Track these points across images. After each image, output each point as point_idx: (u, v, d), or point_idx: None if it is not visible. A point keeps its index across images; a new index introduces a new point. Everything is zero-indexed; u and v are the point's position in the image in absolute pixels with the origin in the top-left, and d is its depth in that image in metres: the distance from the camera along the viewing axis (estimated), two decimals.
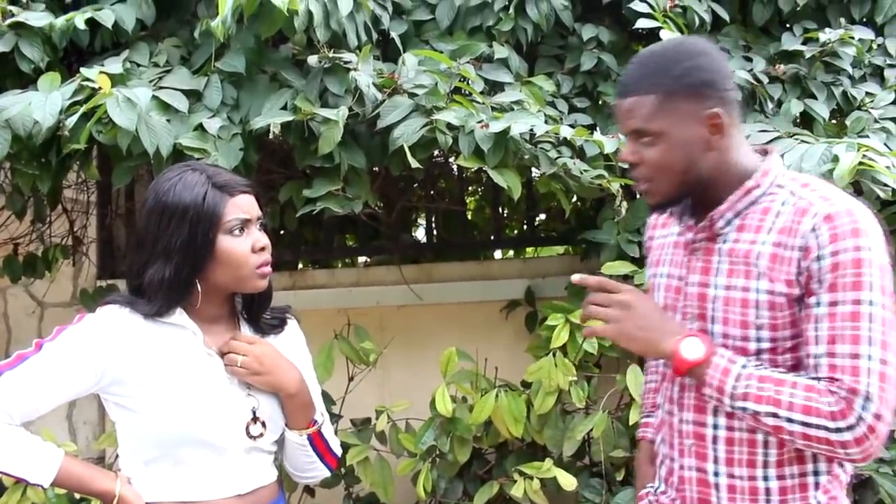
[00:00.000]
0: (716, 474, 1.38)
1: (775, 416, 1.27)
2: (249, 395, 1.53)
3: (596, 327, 1.43)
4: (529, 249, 4.13)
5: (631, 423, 2.62)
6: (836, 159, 2.30)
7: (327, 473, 1.66)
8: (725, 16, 2.83)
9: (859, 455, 1.24)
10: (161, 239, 1.45)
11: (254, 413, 1.52)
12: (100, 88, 2.18)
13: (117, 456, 3.11)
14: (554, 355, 2.62)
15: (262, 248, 1.49)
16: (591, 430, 2.65)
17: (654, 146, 1.35)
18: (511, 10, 2.68)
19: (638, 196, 2.69)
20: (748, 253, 1.34)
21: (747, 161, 1.38)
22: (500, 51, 2.67)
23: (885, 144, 2.50)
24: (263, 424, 1.53)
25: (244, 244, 1.47)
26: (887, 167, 2.28)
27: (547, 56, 2.88)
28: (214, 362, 1.51)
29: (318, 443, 1.60)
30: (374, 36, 2.58)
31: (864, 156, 2.28)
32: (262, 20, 2.29)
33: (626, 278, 2.72)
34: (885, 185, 2.32)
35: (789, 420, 1.26)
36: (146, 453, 1.48)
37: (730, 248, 1.36)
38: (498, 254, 4.24)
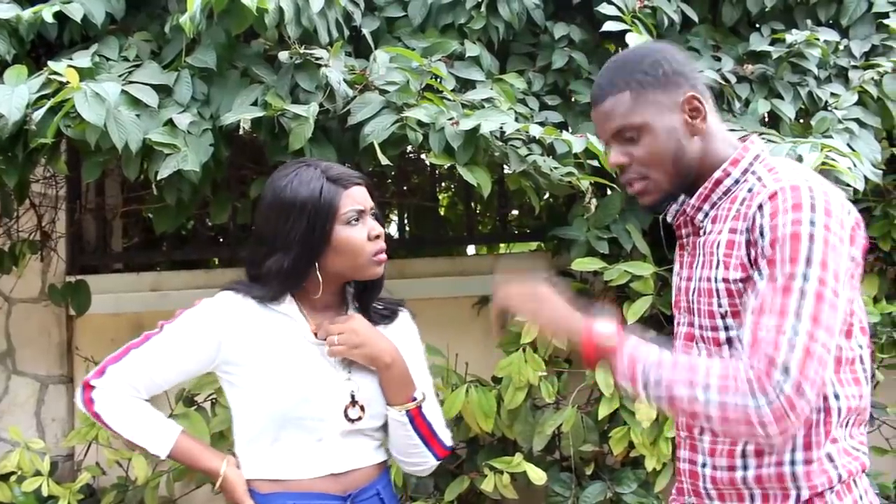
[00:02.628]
0: (703, 465, 1.38)
1: (691, 397, 1.21)
2: (349, 379, 1.59)
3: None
4: (502, 245, 4.15)
5: (600, 417, 2.66)
6: (800, 159, 2.34)
7: (434, 462, 1.68)
8: (694, 16, 2.86)
9: (777, 433, 1.17)
10: (280, 233, 1.54)
11: (352, 397, 1.58)
12: (68, 82, 2.16)
13: (86, 453, 3.09)
14: (524, 351, 2.65)
15: (378, 237, 1.58)
16: (561, 424, 2.68)
17: (639, 141, 1.35)
18: (483, 9, 2.69)
19: (608, 192, 2.72)
20: (713, 243, 1.33)
21: (727, 149, 1.37)
22: (472, 48, 2.68)
23: (848, 145, 2.55)
24: (362, 408, 1.58)
25: (360, 233, 1.56)
26: (848, 168, 2.32)
27: (518, 54, 2.90)
28: (318, 349, 1.58)
29: (420, 424, 1.63)
30: (346, 32, 2.58)
31: (826, 156, 2.33)
32: (232, 17, 2.29)
33: (596, 274, 2.75)
34: (847, 185, 2.36)
35: (706, 401, 1.20)
36: (249, 431, 1.58)
37: (704, 239, 1.37)
38: (471, 250, 4.26)
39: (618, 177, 1.44)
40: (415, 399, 1.61)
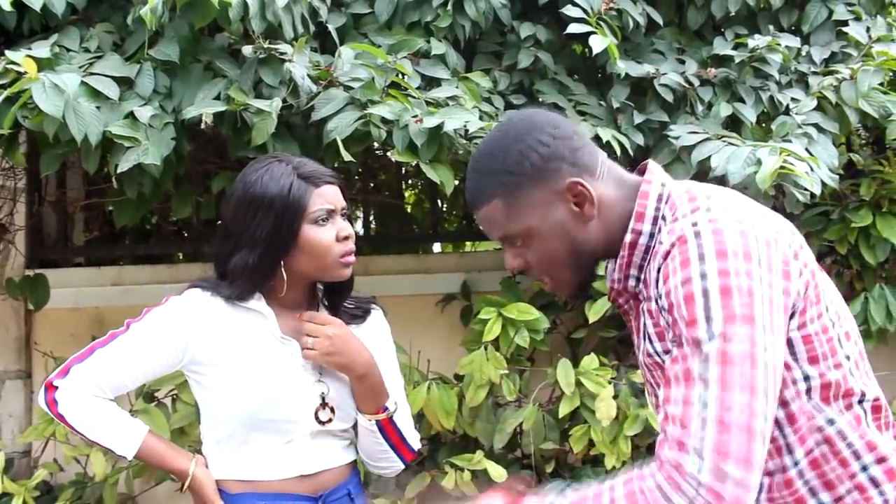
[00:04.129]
0: None
1: None
2: (320, 381, 1.57)
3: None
4: (468, 244, 4.16)
5: (561, 416, 2.68)
6: (759, 163, 2.38)
7: (401, 466, 1.67)
8: (660, 19, 2.89)
9: None
10: (248, 228, 1.51)
11: (322, 399, 1.56)
12: (25, 73, 2.13)
13: (43, 449, 3.05)
14: (486, 349, 2.66)
15: (346, 238, 1.55)
16: (522, 422, 2.70)
17: (529, 247, 1.19)
18: (449, 7, 2.69)
19: None
20: (644, 312, 1.19)
21: (626, 205, 1.19)
22: (438, 46, 2.68)
23: (807, 149, 2.59)
24: (332, 410, 1.57)
25: (328, 233, 1.53)
26: (806, 172, 2.36)
27: (485, 53, 2.91)
28: (288, 348, 1.56)
29: (390, 432, 1.61)
30: (312, 28, 2.57)
31: (785, 160, 2.36)
32: (195, 10, 2.26)
33: None
34: (805, 189, 2.40)
35: None
36: (218, 432, 1.56)
37: (644, 307, 1.20)
38: (437, 247, 4.27)
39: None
40: (386, 409, 1.60)
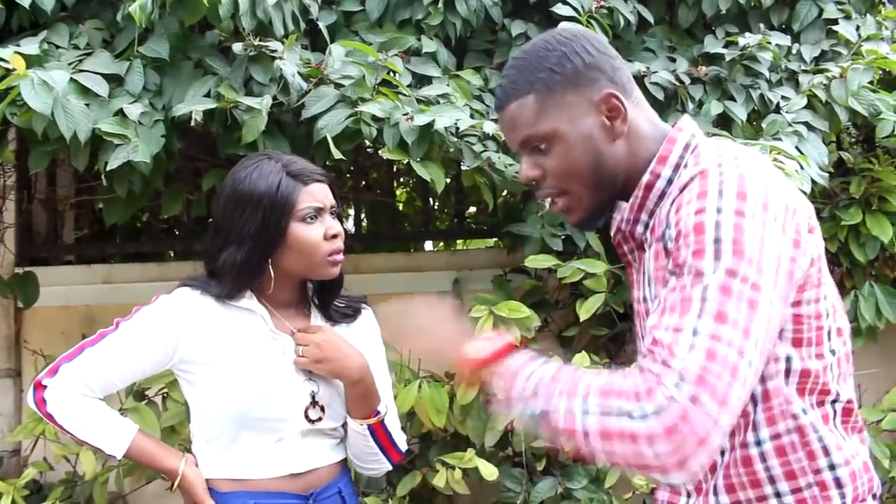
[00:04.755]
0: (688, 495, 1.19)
1: (568, 409, 0.97)
2: (310, 379, 1.57)
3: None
4: (459, 242, 4.16)
5: None
6: None
7: (389, 467, 1.69)
8: (651, 18, 2.90)
9: (671, 456, 0.91)
10: (236, 225, 1.52)
11: (312, 397, 1.57)
12: (14, 70, 2.12)
13: (33, 448, 3.03)
14: None
15: (335, 236, 1.55)
16: (513, 420, 2.69)
17: (551, 152, 1.15)
18: (440, 5, 2.69)
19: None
20: (650, 258, 1.15)
21: (655, 145, 1.17)
22: (429, 44, 2.68)
23: (797, 147, 2.60)
24: (322, 409, 1.58)
25: (316, 231, 1.53)
26: (796, 170, 2.37)
27: (476, 51, 2.90)
28: (279, 346, 1.57)
29: (380, 434, 1.62)
30: (303, 26, 2.56)
31: (775, 158, 2.37)
32: (185, 7, 2.26)
33: (550, 272, 2.77)
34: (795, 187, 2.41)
35: (584, 411, 0.95)
36: (208, 430, 1.57)
37: (646, 255, 1.17)
38: (429, 246, 4.26)
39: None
40: (378, 413, 1.61)
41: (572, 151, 1.15)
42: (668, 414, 0.91)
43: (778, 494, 1.11)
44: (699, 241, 0.99)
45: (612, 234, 1.25)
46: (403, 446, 1.68)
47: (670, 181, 1.14)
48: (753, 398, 1.10)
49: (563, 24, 1.26)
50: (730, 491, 1.13)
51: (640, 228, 1.18)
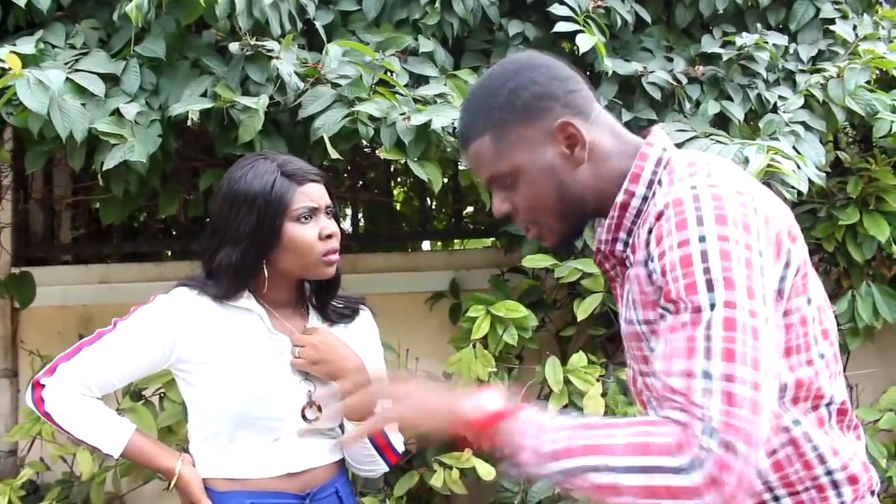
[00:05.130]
0: None
1: (596, 469, 0.94)
2: (307, 379, 1.57)
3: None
4: (456, 242, 4.16)
5: None
6: (747, 161, 2.39)
7: (386, 468, 1.69)
8: (648, 17, 2.89)
9: (720, 500, 0.91)
10: (231, 225, 1.52)
11: (309, 397, 1.57)
12: (10, 69, 2.11)
13: (29, 448, 3.03)
14: (474, 347, 2.65)
15: (330, 236, 1.55)
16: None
17: (516, 187, 1.15)
18: (437, 5, 2.69)
19: None
20: (633, 277, 1.13)
21: (624, 162, 1.15)
22: (426, 44, 2.68)
23: (794, 147, 2.60)
24: (319, 409, 1.57)
25: (311, 231, 1.53)
26: (793, 170, 2.37)
27: (473, 51, 2.90)
28: (276, 346, 1.56)
29: (377, 437, 1.63)
30: (300, 25, 2.56)
31: (772, 158, 2.37)
32: (181, 7, 2.25)
33: (547, 272, 2.77)
34: (792, 187, 2.41)
35: (620, 470, 0.93)
36: (205, 430, 1.56)
37: (629, 272, 1.15)
38: (426, 245, 4.26)
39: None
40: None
41: (535, 185, 1.14)
42: (707, 465, 0.91)
43: (776, 499, 1.12)
44: (688, 273, 0.98)
45: (593, 253, 1.24)
46: (400, 448, 1.68)
47: (645, 198, 1.13)
48: None
49: (523, 55, 1.23)
50: None
51: (619, 247, 1.17)
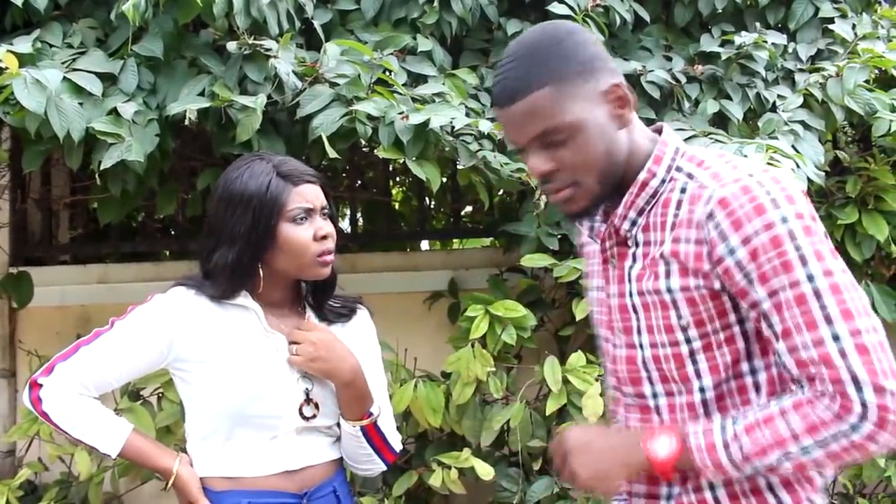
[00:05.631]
0: (668, 497, 1.25)
1: (788, 455, 1.10)
2: (304, 377, 1.57)
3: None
4: (455, 241, 4.15)
5: (548, 413, 2.67)
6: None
7: (384, 467, 1.68)
8: (647, 16, 2.89)
9: (892, 439, 1.07)
10: (227, 225, 1.52)
11: (307, 395, 1.56)
12: (6, 68, 2.11)
13: (27, 448, 3.02)
14: (473, 346, 2.65)
15: (325, 237, 1.54)
16: (509, 420, 2.69)
17: (570, 142, 1.16)
18: (436, 4, 2.69)
19: None
20: (655, 255, 1.19)
21: (646, 143, 1.22)
22: (424, 43, 2.67)
23: (793, 146, 2.59)
24: (317, 406, 1.57)
25: (306, 232, 1.53)
26: (792, 169, 2.37)
27: (471, 50, 2.90)
28: (273, 344, 1.56)
29: (373, 436, 1.62)
30: (298, 24, 2.56)
31: (771, 157, 2.37)
32: (179, 6, 2.25)
33: (546, 271, 2.77)
34: None
35: (804, 450, 1.09)
36: (203, 428, 1.56)
37: (641, 252, 1.21)
38: (425, 245, 4.26)
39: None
40: (370, 415, 1.60)
41: (589, 140, 1.17)
42: (871, 415, 1.06)
43: (770, 487, 1.20)
44: (782, 253, 1.09)
45: (590, 231, 1.30)
46: (398, 447, 1.68)
47: (663, 181, 1.20)
48: (757, 386, 1.19)
49: (558, 21, 1.26)
50: (727, 483, 1.20)
51: (626, 225, 1.22)
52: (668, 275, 1.18)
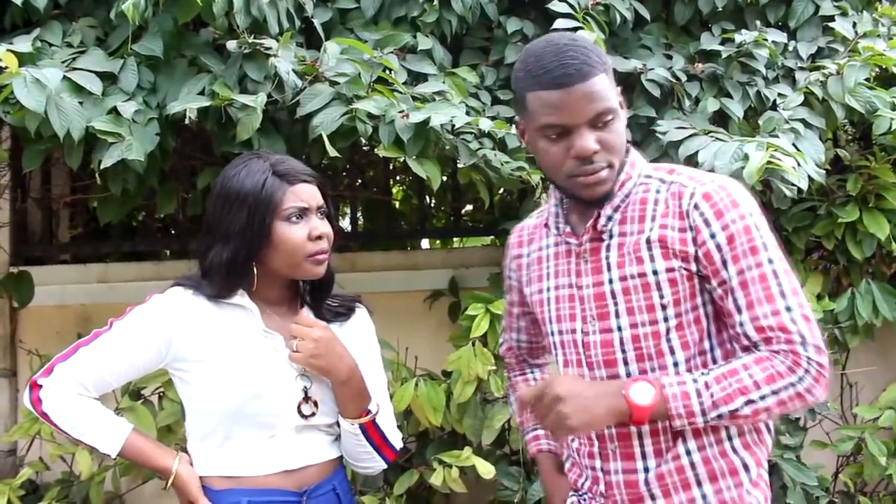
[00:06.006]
0: (646, 469, 1.39)
1: (749, 402, 1.30)
2: (303, 375, 1.57)
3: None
4: (456, 240, 4.15)
5: None
6: (746, 158, 2.38)
7: (384, 465, 1.68)
8: (647, 15, 2.89)
9: (822, 391, 1.32)
10: (223, 223, 1.53)
11: (305, 393, 1.57)
12: (6, 67, 2.10)
13: (29, 448, 3.02)
14: (474, 345, 2.65)
15: (319, 237, 1.55)
16: (510, 418, 2.69)
17: (612, 126, 1.34)
18: (436, 2, 2.68)
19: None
20: (638, 242, 1.37)
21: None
22: (425, 42, 2.67)
23: (794, 144, 2.59)
24: (315, 404, 1.58)
25: (300, 231, 1.53)
26: (793, 167, 2.36)
27: (472, 48, 2.90)
28: (270, 342, 1.57)
29: (372, 434, 1.62)
30: (298, 23, 2.55)
31: (772, 155, 2.36)
32: (179, 5, 2.25)
33: None
34: (792, 184, 2.40)
35: (762, 397, 1.30)
36: (202, 427, 1.56)
37: (617, 242, 1.39)
38: (425, 244, 4.26)
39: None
40: (369, 412, 1.60)
41: (622, 128, 1.37)
42: (813, 369, 1.31)
43: (729, 437, 1.40)
44: (751, 239, 1.33)
45: (560, 230, 1.46)
46: (398, 444, 1.68)
47: (635, 184, 1.41)
48: (714, 362, 1.40)
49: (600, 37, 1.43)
50: (700, 448, 1.39)
51: (602, 221, 1.40)
52: (652, 259, 1.36)
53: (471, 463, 2.62)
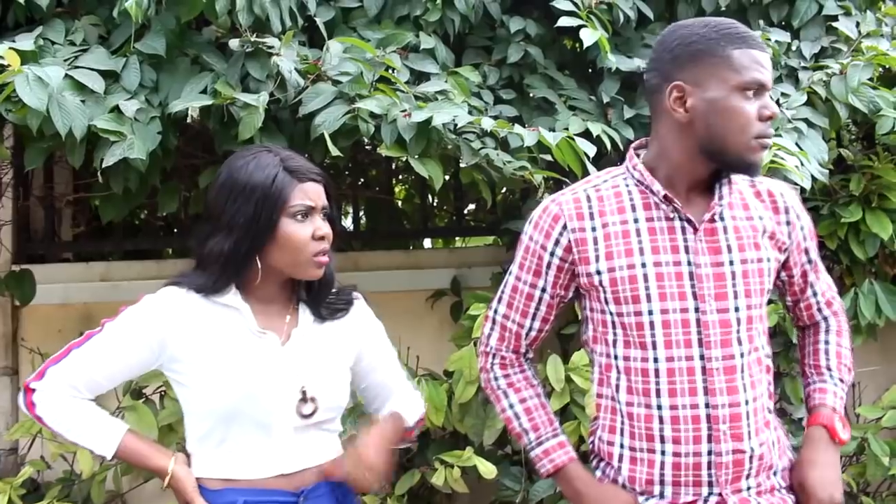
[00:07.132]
0: (751, 450, 1.47)
1: (851, 365, 1.64)
2: (300, 374, 1.55)
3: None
4: (458, 239, 4.14)
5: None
6: None
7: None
8: (650, 14, 2.88)
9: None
10: (227, 213, 1.51)
11: (303, 392, 1.55)
12: (9, 65, 2.10)
13: (30, 447, 3.02)
14: (475, 345, 2.64)
15: (322, 238, 1.53)
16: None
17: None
18: (438, 1, 2.68)
19: (562, 187, 2.72)
20: (752, 229, 1.49)
21: None
22: (427, 41, 2.66)
23: (797, 144, 2.59)
24: (315, 402, 1.56)
25: (305, 230, 1.52)
26: (796, 167, 2.36)
27: (474, 47, 2.89)
28: (264, 342, 1.55)
29: (410, 433, 1.72)
30: (301, 22, 2.55)
31: (775, 155, 2.36)
32: (181, 3, 2.25)
33: None
34: (795, 183, 2.40)
35: (850, 350, 1.65)
36: (199, 428, 1.55)
37: (732, 225, 1.48)
38: (428, 243, 4.26)
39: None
40: (409, 429, 1.70)
41: None
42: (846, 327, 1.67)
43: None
44: (813, 233, 1.60)
45: (675, 206, 1.49)
46: (422, 410, 1.76)
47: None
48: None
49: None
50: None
51: (716, 200, 1.50)
52: (766, 247, 1.49)
53: (472, 463, 2.62)
